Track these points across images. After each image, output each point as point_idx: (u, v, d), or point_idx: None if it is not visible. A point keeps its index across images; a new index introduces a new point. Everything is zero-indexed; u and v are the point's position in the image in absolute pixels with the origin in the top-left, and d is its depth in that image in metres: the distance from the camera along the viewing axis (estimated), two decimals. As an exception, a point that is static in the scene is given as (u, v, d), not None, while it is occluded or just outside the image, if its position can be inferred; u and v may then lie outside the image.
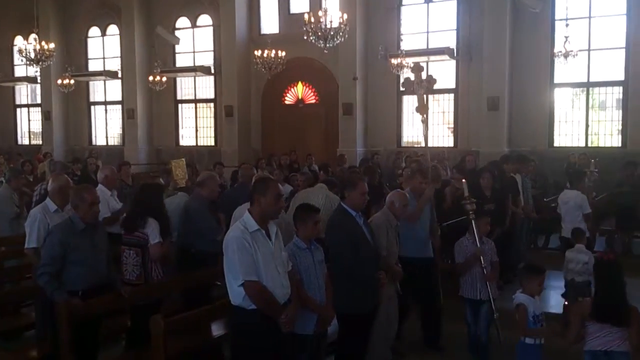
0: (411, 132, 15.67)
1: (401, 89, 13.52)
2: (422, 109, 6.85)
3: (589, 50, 13.29)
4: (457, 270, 5.75)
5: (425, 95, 7.18)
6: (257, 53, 14.57)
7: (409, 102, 15.53)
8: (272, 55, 14.46)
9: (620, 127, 13.34)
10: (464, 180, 6.29)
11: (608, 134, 13.60)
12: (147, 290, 5.09)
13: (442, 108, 15.21)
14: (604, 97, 13.74)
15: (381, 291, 5.16)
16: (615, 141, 13.33)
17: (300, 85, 16.64)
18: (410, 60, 14.00)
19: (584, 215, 7.33)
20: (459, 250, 5.75)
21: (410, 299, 5.89)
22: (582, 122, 13.73)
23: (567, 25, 12.58)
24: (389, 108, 15.48)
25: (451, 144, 14.82)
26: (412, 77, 7.10)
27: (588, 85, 13.64)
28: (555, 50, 12.76)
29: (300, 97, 16.74)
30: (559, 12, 13.43)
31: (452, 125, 15.07)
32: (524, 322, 4.36)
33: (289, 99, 16.92)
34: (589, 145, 13.35)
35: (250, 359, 3.88)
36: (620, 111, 13.33)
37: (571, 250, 6.52)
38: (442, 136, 15.28)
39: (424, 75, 7.66)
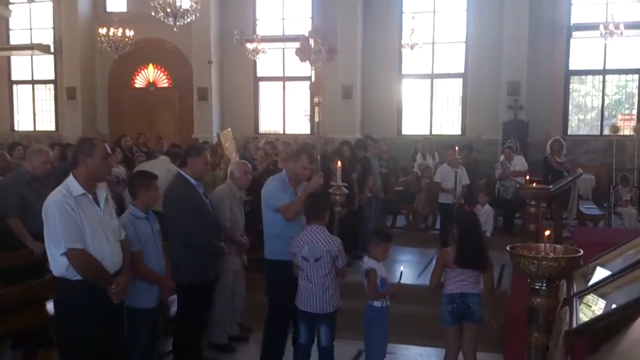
0: (269, 119, 15.62)
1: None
2: (318, 87, 5.49)
3: (433, 43, 14.07)
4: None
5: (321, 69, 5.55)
6: (102, 31, 13.61)
7: (266, 89, 15.55)
8: (119, 34, 13.58)
9: (460, 117, 14.25)
10: (339, 163, 5.15)
11: (450, 122, 14.49)
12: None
13: (299, 96, 15.34)
14: (446, 88, 14.59)
15: (225, 262, 5.02)
16: (457, 129, 14.23)
17: (151, 67, 15.89)
18: (265, 46, 13.94)
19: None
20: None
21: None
22: (427, 111, 14.51)
23: (413, 17, 13.21)
24: (245, 94, 15.31)
25: (307, 132, 14.95)
26: (312, 42, 5.59)
27: (432, 77, 14.43)
28: (403, 41, 13.35)
29: (151, 81, 15.98)
30: (406, 4, 14.09)
31: (308, 113, 15.22)
32: (373, 285, 4.43)
33: (140, 82, 16.09)
34: (433, 133, 14.12)
35: (78, 335, 3.51)
36: (460, 101, 14.26)
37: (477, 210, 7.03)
38: (298, 124, 15.42)
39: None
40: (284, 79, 15.32)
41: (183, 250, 4.47)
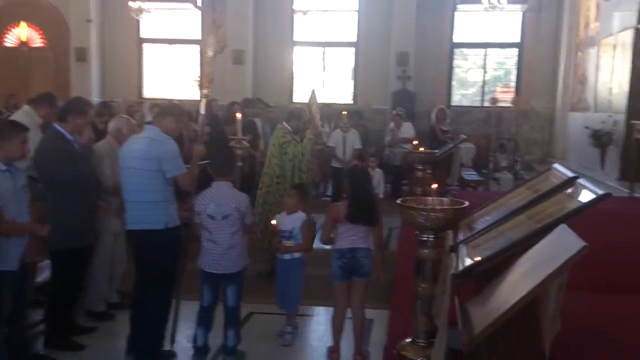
0: (155, 84, 14.88)
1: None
2: (208, 77, 4.89)
3: (325, 10, 14.00)
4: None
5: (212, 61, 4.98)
6: (-33, -17, 12.32)
7: (151, 51, 14.82)
8: (-14, -13, 12.36)
9: (352, 86, 14.37)
10: (239, 115, 5.09)
11: (341, 91, 14.58)
12: None
13: (187, 59, 14.75)
14: (338, 57, 14.62)
15: (104, 224, 4.70)
16: (348, 98, 14.34)
17: (23, 25, 14.56)
18: (150, 5, 13.23)
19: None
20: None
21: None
22: (319, 79, 14.48)
23: (305, -18, 13.07)
24: (128, 56, 14.44)
25: (197, 98, 14.42)
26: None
27: (324, 45, 14.39)
28: (295, 7, 13.18)
29: (24, 40, 14.67)
30: (298, -32, 13.90)
31: (197, 78, 14.68)
32: (274, 234, 4.78)
33: (10, 41, 14.70)
34: (325, 101, 14.09)
35: None
36: (352, 70, 14.36)
37: None
38: (186, 89, 14.84)
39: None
40: (170, 41, 14.64)
41: (58, 211, 4.09)
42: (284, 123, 6.27)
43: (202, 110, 4.84)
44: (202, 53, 4.81)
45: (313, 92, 6.45)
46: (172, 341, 4.48)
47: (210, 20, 5.38)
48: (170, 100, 12.94)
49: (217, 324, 4.41)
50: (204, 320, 4.35)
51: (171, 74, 14.82)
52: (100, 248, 4.86)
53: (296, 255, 4.73)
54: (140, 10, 12.88)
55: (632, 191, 7.17)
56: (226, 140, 5.73)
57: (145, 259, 4.18)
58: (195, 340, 4.35)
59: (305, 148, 5.92)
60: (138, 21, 13.65)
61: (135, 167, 4.09)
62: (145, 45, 14.67)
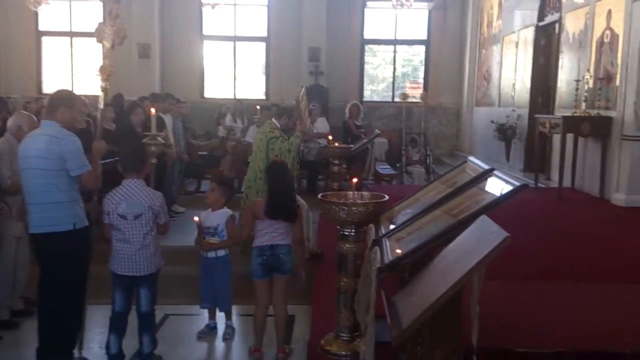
0: (54, 79, 14.06)
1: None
2: (105, 70, 4.50)
3: (235, 4, 13.81)
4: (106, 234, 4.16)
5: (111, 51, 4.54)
6: None
7: (50, 45, 14.03)
8: None
9: (264, 81, 14.25)
10: (153, 110, 4.98)
11: (253, 87, 14.44)
12: None
13: (88, 53, 14.05)
14: (249, 52, 14.47)
15: (5, 227, 4.36)
16: (260, 94, 14.21)
17: None
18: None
19: None
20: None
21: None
22: (230, 74, 14.27)
23: (214, -24, 12.77)
24: (26, 49, 13.65)
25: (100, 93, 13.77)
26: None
27: (235, 39, 14.18)
28: (203, 0, 12.90)
29: None
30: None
31: (99, 73, 14.01)
32: (198, 232, 4.58)
33: None
34: (237, 97, 13.93)
35: None
36: (264, 66, 14.23)
37: None
38: (88, 84, 14.14)
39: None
40: (71, 34, 13.89)
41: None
42: (273, 119, 6.08)
43: (101, 105, 4.58)
44: (100, 45, 4.45)
45: (303, 89, 6.36)
46: (81, 348, 4.22)
47: (107, 11, 4.95)
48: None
49: (132, 328, 4.20)
50: (117, 326, 4.11)
51: (73, 68, 14.10)
52: (1, 253, 4.52)
53: (221, 253, 4.59)
54: (38, 2, 12.11)
55: (537, 182, 7.55)
56: (137, 135, 5.49)
57: (52, 263, 3.88)
58: (108, 347, 4.12)
59: (292, 144, 5.82)
60: (36, 13, 12.85)
61: (36, 168, 3.77)
62: (44, 39, 13.90)
